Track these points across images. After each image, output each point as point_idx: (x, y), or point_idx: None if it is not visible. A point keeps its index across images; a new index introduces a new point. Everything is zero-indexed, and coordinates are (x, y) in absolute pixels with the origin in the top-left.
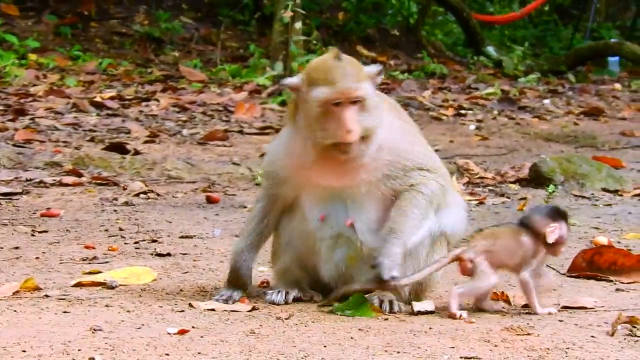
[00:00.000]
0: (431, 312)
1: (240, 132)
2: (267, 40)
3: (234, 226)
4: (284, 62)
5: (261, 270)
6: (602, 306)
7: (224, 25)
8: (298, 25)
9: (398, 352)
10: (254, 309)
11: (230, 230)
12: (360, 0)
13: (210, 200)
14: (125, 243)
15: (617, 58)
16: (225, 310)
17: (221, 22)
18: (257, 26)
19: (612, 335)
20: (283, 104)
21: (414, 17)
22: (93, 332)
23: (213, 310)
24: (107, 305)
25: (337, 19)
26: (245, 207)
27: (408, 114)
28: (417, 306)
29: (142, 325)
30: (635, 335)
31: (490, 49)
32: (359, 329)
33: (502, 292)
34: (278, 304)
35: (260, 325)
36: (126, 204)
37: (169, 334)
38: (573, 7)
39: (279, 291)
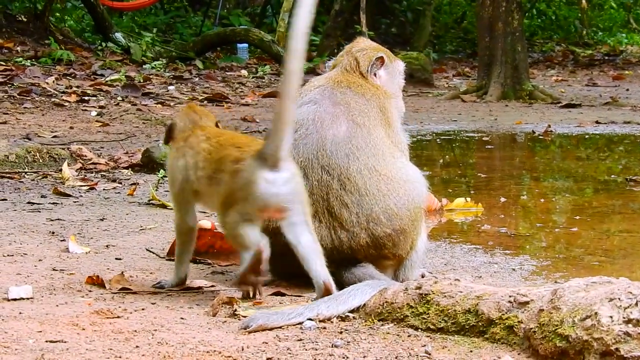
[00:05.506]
0: (28, 299)
1: None
2: None
3: None
4: None
5: None
6: (200, 288)
7: None
8: None
9: None
10: None
11: None
12: None
13: None
14: None
15: (246, 45)
16: None
17: None
18: None
19: (214, 315)
20: None
21: (41, 3)
22: None
23: None
24: None
25: None
26: None
27: (30, 100)
28: (13, 292)
29: None
30: (230, 315)
31: (118, 36)
32: None
33: (98, 277)
34: None
35: None
36: None
37: None
38: None
39: None
